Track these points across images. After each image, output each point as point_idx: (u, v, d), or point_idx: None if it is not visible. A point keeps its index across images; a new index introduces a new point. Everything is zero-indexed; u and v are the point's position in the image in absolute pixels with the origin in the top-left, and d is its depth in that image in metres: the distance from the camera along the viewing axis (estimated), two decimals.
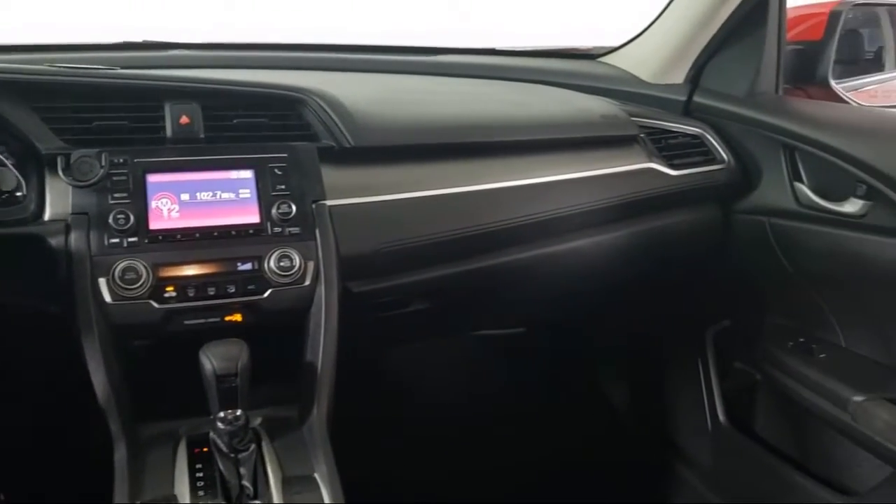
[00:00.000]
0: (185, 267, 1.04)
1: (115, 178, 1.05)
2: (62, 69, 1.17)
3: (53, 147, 1.05)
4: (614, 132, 1.50)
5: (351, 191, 1.19)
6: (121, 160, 1.06)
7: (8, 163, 1.02)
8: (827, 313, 1.54)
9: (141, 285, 1.00)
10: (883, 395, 1.39)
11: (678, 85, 1.73)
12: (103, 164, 1.04)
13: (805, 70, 2.04)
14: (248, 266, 1.06)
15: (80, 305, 0.99)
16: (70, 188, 1.03)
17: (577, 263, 1.47)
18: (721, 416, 1.80)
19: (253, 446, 1.02)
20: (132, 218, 1.02)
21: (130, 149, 1.09)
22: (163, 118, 1.15)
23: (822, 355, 1.52)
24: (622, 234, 1.49)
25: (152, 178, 1.07)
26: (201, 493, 0.99)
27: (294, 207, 1.10)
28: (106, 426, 1.01)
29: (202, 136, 1.15)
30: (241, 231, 1.08)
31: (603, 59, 1.92)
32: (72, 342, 1.01)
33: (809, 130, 1.45)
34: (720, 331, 1.82)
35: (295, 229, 1.09)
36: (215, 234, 1.06)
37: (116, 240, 1.01)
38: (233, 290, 1.05)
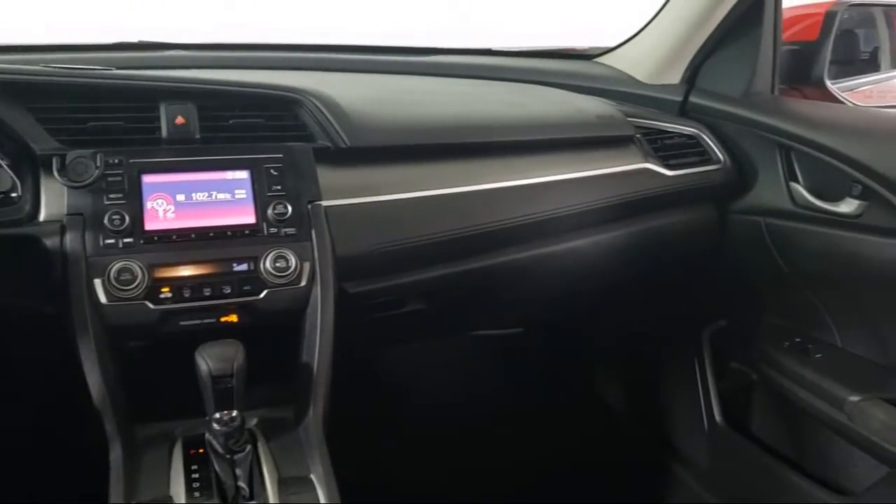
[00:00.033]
0: (181, 268, 1.04)
1: (110, 179, 1.04)
2: (57, 69, 1.17)
3: (48, 148, 1.05)
4: (610, 132, 1.50)
5: (347, 191, 1.19)
6: (116, 161, 1.06)
7: (3, 163, 1.02)
8: (823, 313, 1.55)
9: (136, 286, 1.00)
10: (879, 394, 1.39)
11: (674, 85, 1.73)
12: (98, 164, 1.03)
13: (801, 70, 2.05)
14: (243, 267, 1.06)
15: (75, 306, 0.99)
16: (65, 189, 1.03)
17: (573, 263, 1.47)
18: (717, 416, 1.80)
19: (249, 447, 1.02)
20: (127, 219, 1.02)
21: (126, 149, 1.08)
22: (158, 118, 1.15)
23: (818, 355, 1.52)
24: (618, 235, 1.49)
25: (148, 179, 1.07)
26: (197, 494, 0.98)
27: (290, 208, 1.10)
28: (102, 427, 1.01)
29: (198, 136, 1.15)
30: (236, 232, 1.07)
31: (599, 60, 1.92)
32: (67, 343, 1.00)
33: (805, 131, 1.45)
34: (716, 331, 1.82)
35: (291, 230, 1.09)
36: (211, 234, 1.06)
37: (112, 240, 1.01)
38: (228, 291, 1.05)
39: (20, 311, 1.06)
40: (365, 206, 1.21)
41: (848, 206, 1.38)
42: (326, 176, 1.17)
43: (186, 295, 1.03)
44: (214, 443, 1.00)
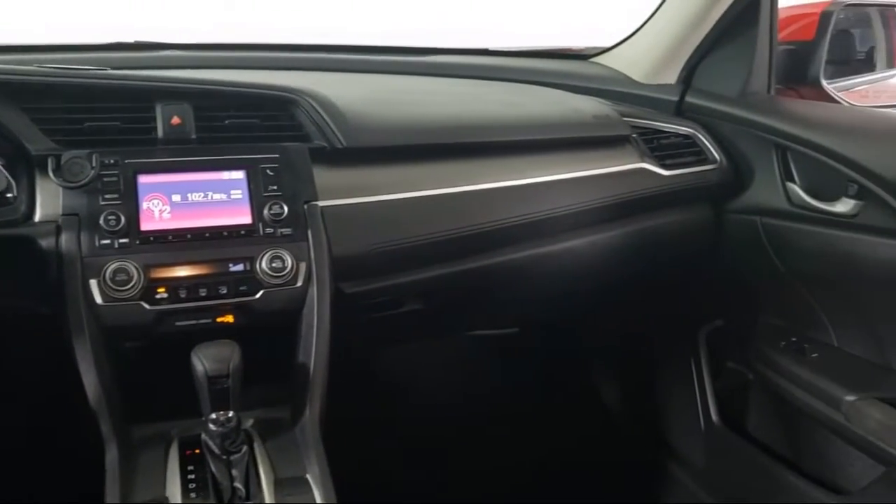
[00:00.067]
0: (177, 268, 1.03)
1: (105, 179, 1.04)
2: (53, 70, 1.17)
3: (44, 148, 1.05)
4: (607, 132, 1.50)
5: (343, 191, 1.19)
6: (112, 161, 1.06)
7: None
8: (819, 313, 1.55)
9: (132, 286, 1.00)
10: (875, 394, 1.39)
11: (670, 85, 1.73)
12: (94, 165, 1.03)
13: (797, 70, 2.05)
14: (239, 267, 1.06)
15: (70, 307, 0.99)
16: (61, 189, 1.02)
17: (570, 263, 1.47)
18: (714, 416, 1.80)
19: (245, 448, 1.02)
20: (123, 219, 1.02)
21: (121, 150, 1.08)
22: (154, 119, 1.14)
23: (814, 355, 1.52)
24: (615, 235, 1.49)
25: (143, 179, 1.06)
26: (193, 494, 0.98)
27: (286, 208, 1.09)
28: (98, 428, 1.01)
29: (194, 136, 1.15)
30: (232, 232, 1.07)
31: (595, 60, 1.92)
32: (63, 343, 1.00)
33: (801, 130, 1.45)
34: (713, 330, 1.82)
35: (287, 230, 1.09)
36: (207, 235, 1.06)
37: (107, 241, 1.01)
38: (224, 292, 1.05)
39: (15, 311, 1.06)
40: (361, 207, 1.21)
41: (844, 206, 1.38)
42: (323, 176, 1.17)
43: (182, 295, 1.03)
44: (211, 443, 1.00)
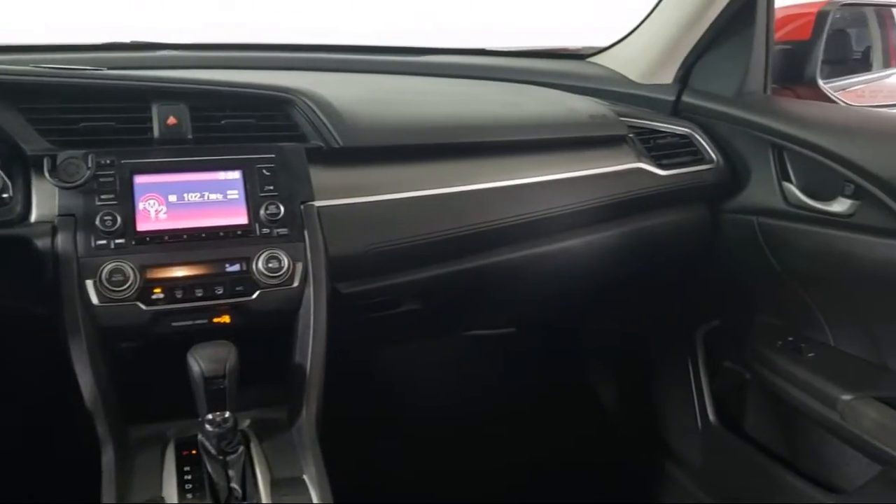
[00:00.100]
0: (173, 268, 1.03)
1: (101, 180, 1.04)
2: (48, 70, 1.17)
3: (39, 148, 1.04)
4: (603, 132, 1.50)
5: (340, 191, 1.19)
6: (108, 161, 1.05)
7: None
8: (815, 312, 1.55)
9: (128, 287, 1.00)
10: (871, 393, 1.39)
11: (667, 85, 1.73)
12: (90, 165, 1.03)
13: (793, 70, 2.05)
14: (236, 267, 1.06)
15: (66, 307, 0.98)
16: (56, 190, 1.02)
17: (566, 263, 1.47)
18: (711, 416, 1.80)
19: (241, 448, 1.02)
20: (119, 219, 1.02)
21: (117, 150, 1.08)
22: (150, 119, 1.14)
23: (810, 354, 1.52)
24: (611, 235, 1.49)
25: (139, 180, 1.06)
26: (189, 495, 0.98)
27: (282, 208, 1.09)
28: (94, 428, 1.00)
29: (190, 136, 1.15)
30: (229, 232, 1.07)
31: (592, 60, 1.92)
32: (59, 344, 1.00)
33: (798, 130, 1.45)
34: (709, 330, 1.82)
35: (283, 230, 1.09)
36: (203, 235, 1.06)
37: (103, 241, 1.01)
38: (221, 292, 1.05)
39: (11, 311, 1.06)
40: (358, 207, 1.20)
41: (840, 206, 1.38)
42: (319, 176, 1.17)
43: (178, 296, 1.03)
44: (207, 444, 1.00)
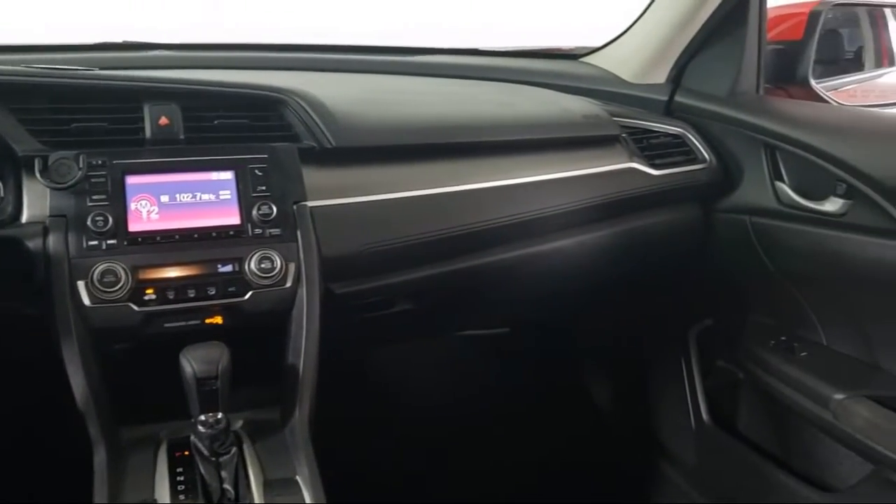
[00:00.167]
0: (165, 269, 1.03)
1: (93, 180, 1.04)
2: (39, 70, 1.16)
3: (30, 149, 1.04)
4: (596, 132, 1.50)
5: (333, 191, 1.19)
6: (99, 162, 1.05)
7: None
8: (808, 311, 1.55)
9: (120, 288, 0.99)
10: (863, 392, 1.40)
11: (660, 85, 1.73)
12: (81, 165, 1.02)
13: (786, 70, 2.05)
14: (228, 268, 1.05)
15: (58, 308, 0.98)
16: (48, 190, 1.02)
17: (560, 263, 1.47)
18: (704, 415, 1.80)
19: (234, 449, 1.02)
20: (111, 220, 1.01)
21: (109, 150, 1.07)
22: (142, 119, 1.14)
23: (803, 353, 1.52)
24: (605, 234, 1.49)
25: (131, 180, 1.06)
26: (182, 496, 0.98)
27: (275, 208, 1.09)
28: (86, 429, 1.00)
29: (182, 137, 1.14)
30: (221, 233, 1.07)
31: (585, 60, 1.92)
32: (51, 345, 1.00)
33: (790, 130, 1.46)
34: (703, 330, 1.82)
35: (276, 230, 1.09)
36: (195, 235, 1.06)
37: (95, 242, 1.00)
38: (213, 293, 1.04)
39: (2, 312, 1.05)
40: (351, 207, 1.20)
41: (832, 205, 1.39)
42: (312, 176, 1.16)
43: (171, 297, 1.02)
44: (200, 445, 1.00)
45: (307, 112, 1.21)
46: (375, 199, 1.23)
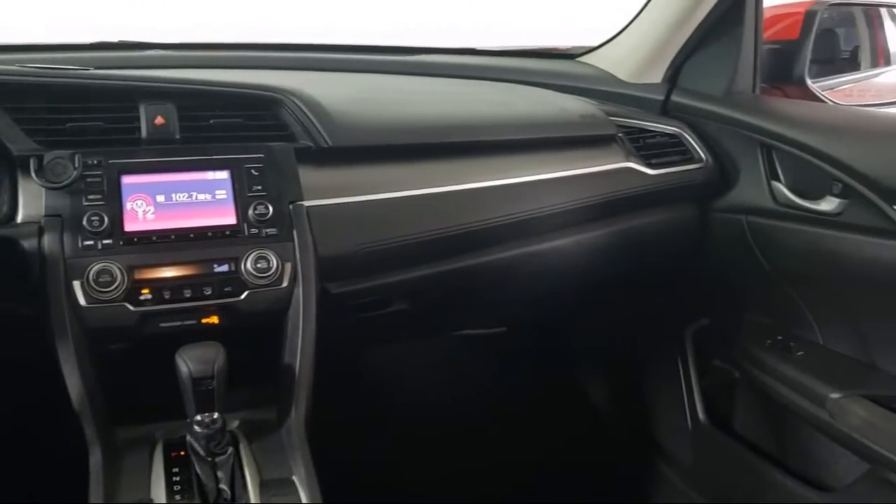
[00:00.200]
0: (161, 269, 1.03)
1: (89, 180, 1.03)
2: (35, 69, 1.16)
3: (26, 148, 1.04)
4: (593, 132, 1.50)
5: (329, 191, 1.19)
6: (95, 161, 1.05)
7: None
8: (804, 311, 1.55)
9: (116, 288, 0.99)
10: (859, 391, 1.40)
11: (656, 84, 1.73)
12: (77, 165, 1.02)
13: (782, 69, 2.05)
14: (224, 268, 1.05)
15: (53, 308, 0.98)
16: (43, 190, 1.01)
17: (556, 263, 1.47)
18: (701, 415, 1.80)
19: (230, 449, 1.01)
20: (107, 220, 1.01)
21: (105, 150, 1.07)
22: (138, 119, 1.14)
23: (799, 353, 1.53)
24: (601, 234, 1.49)
25: (127, 180, 1.06)
26: (178, 496, 0.98)
27: (271, 208, 1.09)
28: (81, 429, 1.00)
29: (178, 136, 1.14)
30: (217, 232, 1.07)
31: (581, 59, 1.92)
32: (46, 345, 0.99)
33: (786, 129, 1.46)
34: (699, 329, 1.82)
35: (272, 230, 1.09)
36: (191, 235, 1.05)
37: (91, 242, 1.00)
38: (209, 293, 1.04)
39: None
40: (348, 206, 1.20)
41: (829, 205, 1.39)
42: (308, 176, 1.16)
43: (167, 297, 1.02)
44: (196, 445, 0.99)
45: (303, 111, 1.21)
46: (372, 198, 1.23)
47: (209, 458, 0.99)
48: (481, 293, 1.51)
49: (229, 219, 1.08)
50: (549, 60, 1.99)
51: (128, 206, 1.04)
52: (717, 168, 1.59)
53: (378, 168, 1.26)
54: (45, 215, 1.01)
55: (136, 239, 1.03)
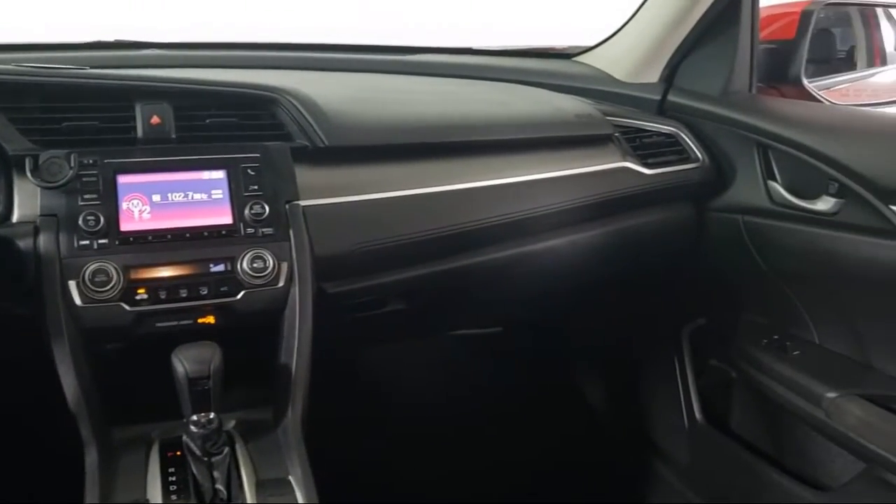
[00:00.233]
0: (157, 269, 1.02)
1: (84, 180, 1.03)
2: (30, 69, 1.16)
3: (21, 148, 1.03)
4: (589, 131, 1.50)
5: (326, 191, 1.18)
6: (91, 161, 1.04)
7: None
8: (801, 310, 1.56)
9: (112, 287, 0.99)
10: (855, 391, 1.40)
11: (653, 84, 1.73)
12: (73, 165, 1.02)
13: (778, 69, 2.06)
14: (220, 267, 1.05)
15: (49, 308, 0.97)
16: (38, 190, 1.01)
17: (552, 263, 1.47)
18: (697, 414, 1.81)
19: (226, 449, 1.01)
20: (102, 219, 1.01)
21: (101, 149, 1.07)
22: (134, 118, 1.13)
23: (795, 352, 1.53)
24: (597, 234, 1.49)
25: (123, 179, 1.05)
26: (174, 496, 0.98)
27: (267, 208, 1.09)
28: (77, 429, 1.00)
29: (174, 136, 1.14)
30: (213, 232, 1.06)
31: (578, 59, 1.92)
32: (42, 345, 0.99)
33: (782, 129, 1.46)
34: (695, 329, 1.83)
35: (268, 230, 1.08)
36: (187, 235, 1.05)
37: (86, 242, 1.00)
38: (205, 292, 1.04)
39: None
40: (344, 206, 1.20)
41: (825, 204, 1.39)
42: (304, 175, 1.16)
43: (162, 296, 1.02)
44: (192, 445, 0.99)
45: (299, 111, 1.20)
46: (368, 198, 1.22)
47: (205, 458, 0.99)
48: (477, 293, 1.51)
49: (225, 218, 1.08)
50: (546, 60, 1.99)
51: (123, 205, 1.04)
52: (714, 168, 1.59)
53: (375, 168, 1.26)
54: (41, 215, 1.00)
55: (131, 239, 1.02)
